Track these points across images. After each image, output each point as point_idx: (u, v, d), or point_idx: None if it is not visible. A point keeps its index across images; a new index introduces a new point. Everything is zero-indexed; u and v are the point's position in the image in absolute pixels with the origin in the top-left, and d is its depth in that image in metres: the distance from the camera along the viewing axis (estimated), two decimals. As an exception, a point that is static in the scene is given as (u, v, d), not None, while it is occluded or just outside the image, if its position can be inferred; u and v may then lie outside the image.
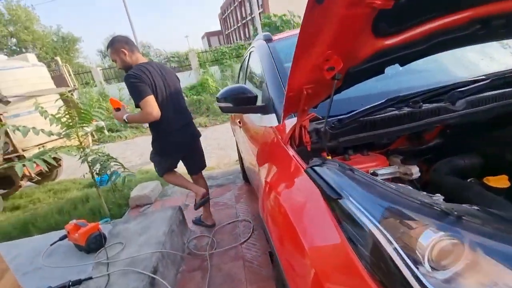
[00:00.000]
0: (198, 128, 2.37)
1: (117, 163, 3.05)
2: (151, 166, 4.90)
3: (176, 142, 1.98)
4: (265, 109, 1.32)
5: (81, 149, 2.92)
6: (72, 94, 4.56)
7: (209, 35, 55.49)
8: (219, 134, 6.46)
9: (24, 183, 3.81)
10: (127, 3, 10.93)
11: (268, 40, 1.65)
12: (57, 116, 2.87)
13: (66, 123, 2.92)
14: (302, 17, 0.63)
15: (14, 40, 25.99)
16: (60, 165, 4.57)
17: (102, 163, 3.05)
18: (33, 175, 3.49)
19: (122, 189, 3.39)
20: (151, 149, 2.10)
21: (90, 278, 1.48)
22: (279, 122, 1.18)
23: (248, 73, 2.24)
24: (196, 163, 2.27)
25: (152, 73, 1.82)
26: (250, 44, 10.04)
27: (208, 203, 2.30)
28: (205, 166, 2.36)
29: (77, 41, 28.74)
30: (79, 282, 1.46)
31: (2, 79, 3.22)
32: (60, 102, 2.60)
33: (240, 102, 1.31)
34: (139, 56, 1.89)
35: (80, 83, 9.83)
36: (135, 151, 6.21)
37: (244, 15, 42.62)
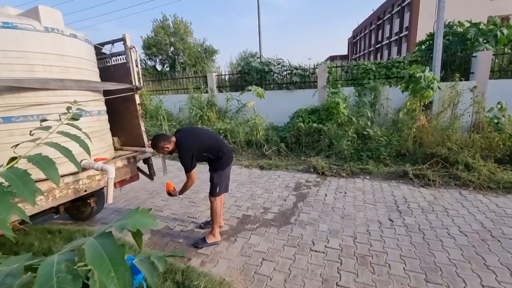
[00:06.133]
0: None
1: None
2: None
3: None
4: None
5: None
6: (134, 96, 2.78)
7: (332, 59, 53.14)
8: (350, 206, 3.52)
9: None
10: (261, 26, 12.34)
11: None
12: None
13: None
14: None
15: (172, 48, 31.32)
16: (90, 205, 2.81)
17: None
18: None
19: None
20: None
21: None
22: None
23: None
24: None
25: None
26: (412, 62, 6.14)
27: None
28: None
29: (215, 53, 32.13)
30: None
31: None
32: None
33: None
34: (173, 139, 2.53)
35: (193, 86, 9.11)
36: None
37: (380, 39, 38.09)
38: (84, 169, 2.12)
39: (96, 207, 3.20)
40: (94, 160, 2.08)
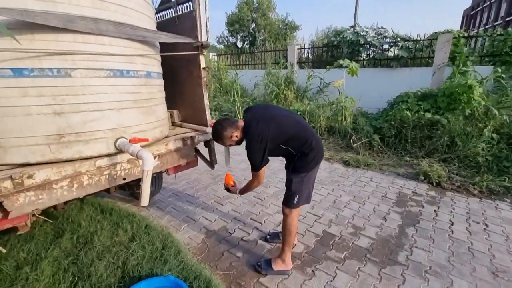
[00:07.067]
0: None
1: None
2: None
3: None
4: None
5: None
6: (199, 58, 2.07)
7: (438, 36, 43.64)
8: (502, 253, 2.15)
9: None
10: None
11: None
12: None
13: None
14: None
15: (253, 24, 31.00)
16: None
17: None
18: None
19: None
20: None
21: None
22: None
23: None
24: None
25: None
26: None
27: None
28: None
29: (296, 29, 30.36)
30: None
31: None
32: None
33: None
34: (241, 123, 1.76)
35: (273, 61, 8.24)
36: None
37: (515, 9, 28.69)
38: (120, 150, 1.55)
39: (152, 189, 2.79)
40: (130, 140, 1.50)
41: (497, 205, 2.98)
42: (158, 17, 2.44)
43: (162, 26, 2.24)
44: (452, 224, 2.59)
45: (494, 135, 3.89)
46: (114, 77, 1.48)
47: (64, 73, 1.31)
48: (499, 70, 4.61)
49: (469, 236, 2.40)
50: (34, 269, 1.80)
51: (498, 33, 5.27)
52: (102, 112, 1.45)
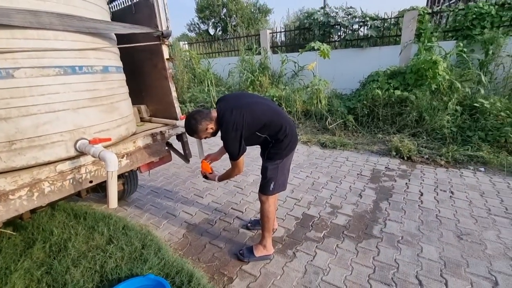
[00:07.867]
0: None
1: None
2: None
3: None
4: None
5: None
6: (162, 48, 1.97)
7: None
8: (466, 217, 2.32)
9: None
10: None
11: None
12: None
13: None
14: None
15: (224, 10, 30.05)
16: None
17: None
18: None
19: None
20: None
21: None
22: None
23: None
24: None
25: None
26: None
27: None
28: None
29: (269, 12, 29.83)
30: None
31: None
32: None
33: None
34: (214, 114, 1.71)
35: (246, 47, 8.07)
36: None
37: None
38: (82, 152, 1.47)
39: (127, 188, 2.71)
40: (91, 141, 1.41)
41: (462, 173, 3.19)
42: (114, 6, 2.28)
43: (118, 15, 2.10)
44: (422, 194, 2.75)
45: (458, 107, 4.12)
46: (65, 75, 1.37)
47: (5, 74, 1.19)
48: (461, 44, 4.82)
49: (437, 204, 2.56)
50: (4, 284, 1.71)
51: (460, 7, 5.47)
52: (56, 113, 1.35)
